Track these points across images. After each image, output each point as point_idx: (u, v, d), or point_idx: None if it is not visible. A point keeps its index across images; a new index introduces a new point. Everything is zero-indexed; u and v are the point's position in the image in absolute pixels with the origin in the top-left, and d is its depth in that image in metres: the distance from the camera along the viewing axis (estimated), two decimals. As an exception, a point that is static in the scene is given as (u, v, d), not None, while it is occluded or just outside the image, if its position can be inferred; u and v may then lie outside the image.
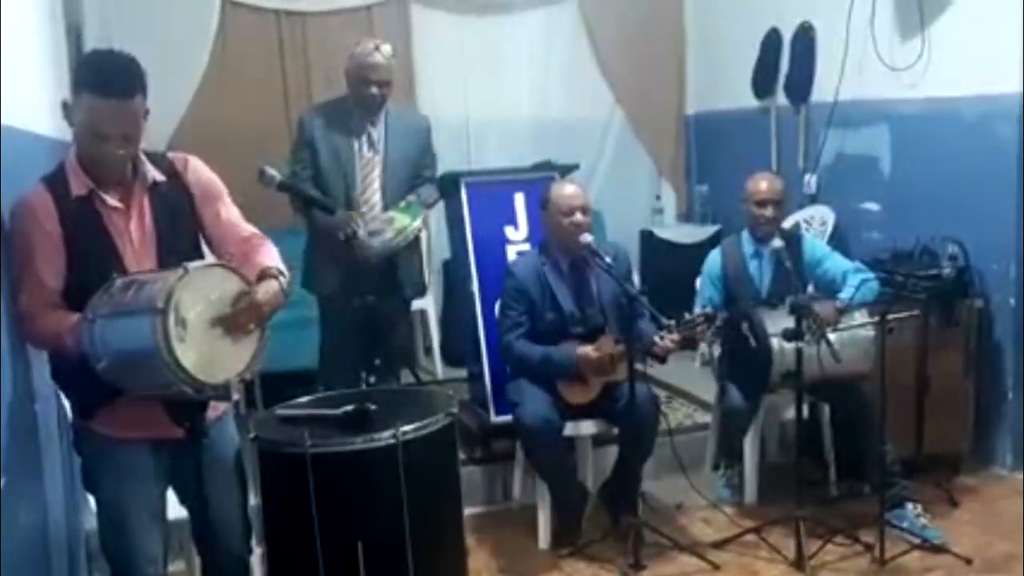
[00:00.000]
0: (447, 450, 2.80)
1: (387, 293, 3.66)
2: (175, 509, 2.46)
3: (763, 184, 3.77)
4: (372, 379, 3.42)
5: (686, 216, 6.18)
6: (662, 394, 4.35)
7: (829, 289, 3.65)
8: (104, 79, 2.13)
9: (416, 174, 3.88)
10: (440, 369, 5.24)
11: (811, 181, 5.00)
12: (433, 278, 5.44)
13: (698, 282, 3.98)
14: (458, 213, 4.14)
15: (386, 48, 3.72)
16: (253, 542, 2.60)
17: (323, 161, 3.72)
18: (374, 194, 3.76)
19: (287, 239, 3.66)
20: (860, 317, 3.48)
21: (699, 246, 5.17)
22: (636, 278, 4.53)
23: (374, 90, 3.69)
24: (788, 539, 3.34)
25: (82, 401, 2.30)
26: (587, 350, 3.45)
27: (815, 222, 4.86)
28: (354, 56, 3.72)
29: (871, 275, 3.64)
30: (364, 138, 3.76)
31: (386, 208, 3.73)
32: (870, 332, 3.43)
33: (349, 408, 2.69)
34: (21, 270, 2.18)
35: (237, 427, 2.56)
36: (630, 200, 6.00)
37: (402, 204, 3.73)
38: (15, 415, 2.19)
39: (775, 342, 3.41)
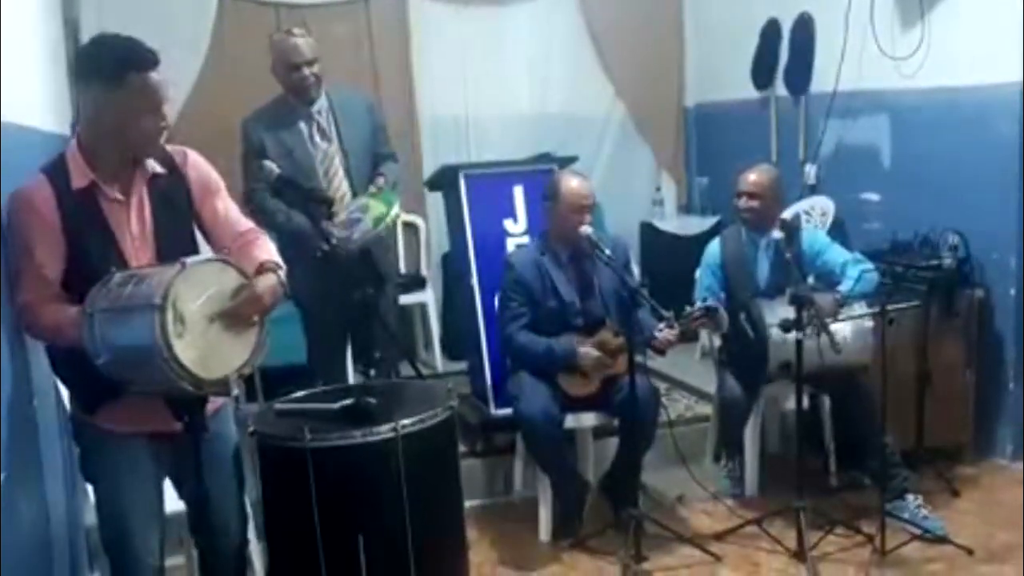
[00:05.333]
0: (447, 443, 2.80)
1: (371, 288, 3.59)
2: (174, 503, 2.46)
3: (747, 176, 3.77)
4: (372, 372, 3.42)
5: (686, 208, 6.17)
6: (662, 386, 4.35)
7: (828, 280, 3.64)
8: (143, 55, 2.15)
9: (375, 152, 3.83)
10: (440, 362, 5.24)
11: (811, 172, 4.99)
12: (433, 271, 5.46)
13: (698, 273, 3.98)
14: (457, 206, 4.13)
15: (298, 30, 3.70)
16: (252, 535, 2.60)
17: (279, 163, 3.53)
18: (341, 183, 3.71)
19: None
20: (860, 308, 3.48)
21: (699, 238, 5.15)
22: (636, 270, 4.53)
23: (304, 71, 3.63)
24: (789, 530, 3.34)
25: (84, 395, 2.30)
26: (589, 350, 3.46)
27: (815, 213, 4.85)
28: (273, 47, 3.70)
29: (870, 266, 3.65)
30: (313, 127, 3.70)
31: (355, 195, 3.68)
32: (870, 323, 3.43)
33: (348, 402, 2.69)
34: (21, 262, 2.18)
35: (236, 421, 2.55)
36: (630, 192, 5.98)
37: (372, 189, 3.67)
38: (15, 411, 2.19)
39: (773, 332, 3.41)
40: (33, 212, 2.16)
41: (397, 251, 3.98)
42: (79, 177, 2.19)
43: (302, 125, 3.70)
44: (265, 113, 3.76)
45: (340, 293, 3.39)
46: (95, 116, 2.20)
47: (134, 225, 2.26)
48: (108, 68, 2.13)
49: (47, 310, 2.18)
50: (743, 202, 3.75)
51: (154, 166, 2.29)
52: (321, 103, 3.72)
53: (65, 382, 2.43)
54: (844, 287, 3.54)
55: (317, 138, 3.72)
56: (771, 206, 3.75)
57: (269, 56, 4.93)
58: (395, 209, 3.63)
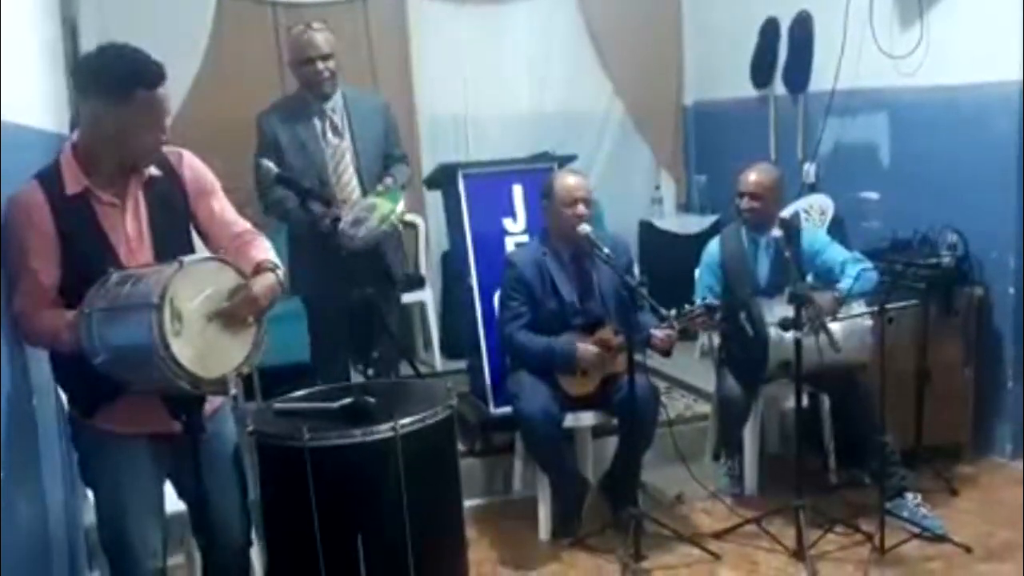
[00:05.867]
0: (446, 442, 2.80)
1: (376, 286, 3.60)
2: (173, 502, 2.46)
3: (749, 176, 3.76)
4: (371, 372, 3.42)
5: (685, 206, 6.17)
6: (662, 385, 4.35)
7: (827, 279, 3.64)
8: (151, 72, 2.14)
9: (387, 154, 3.85)
10: (439, 361, 5.24)
11: (810, 170, 4.99)
12: (432, 271, 5.45)
13: (697, 271, 3.97)
14: (456, 205, 4.13)
15: (318, 24, 3.71)
16: (253, 535, 2.59)
17: (291, 157, 3.63)
18: (351, 179, 3.73)
19: (283, 233, 3.67)
20: (859, 307, 3.47)
21: (699, 236, 5.15)
22: (635, 269, 4.52)
23: (319, 66, 3.64)
24: (788, 529, 3.34)
25: (83, 399, 2.30)
26: (588, 346, 3.45)
27: (814, 211, 4.85)
28: (289, 42, 3.73)
29: (869, 265, 3.64)
30: (326, 123, 3.72)
31: (365, 193, 3.69)
32: (869, 322, 3.43)
33: (347, 401, 2.69)
34: (16, 269, 2.18)
35: (235, 420, 2.55)
36: (629, 191, 5.98)
37: (380, 188, 3.67)
38: (13, 410, 2.18)
39: (772, 331, 3.41)
40: (27, 219, 2.15)
41: (404, 251, 4.00)
42: (73, 183, 2.19)
43: (315, 121, 3.72)
44: (280, 107, 3.80)
45: (345, 291, 3.40)
46: (96, 126, 2.18)
47: (130, 228, 2.25)
48: (116, 83, 2.11)
49: (44, 315, 2.17)
50: (744, 202, 3.75)
51: (150, 169, 2.28)
52: (336, 100, 3.74)
53: (63, 387, 2.42)
54: (843, 286, 3.53)
55: (329, 134, 3.73)
56: (772, 206, 3.74)
57: (267, 54, 4.93)
58: (400, 206, 3.63)
